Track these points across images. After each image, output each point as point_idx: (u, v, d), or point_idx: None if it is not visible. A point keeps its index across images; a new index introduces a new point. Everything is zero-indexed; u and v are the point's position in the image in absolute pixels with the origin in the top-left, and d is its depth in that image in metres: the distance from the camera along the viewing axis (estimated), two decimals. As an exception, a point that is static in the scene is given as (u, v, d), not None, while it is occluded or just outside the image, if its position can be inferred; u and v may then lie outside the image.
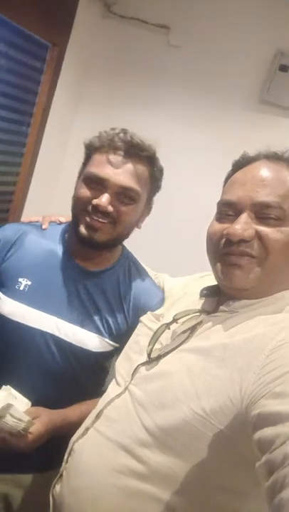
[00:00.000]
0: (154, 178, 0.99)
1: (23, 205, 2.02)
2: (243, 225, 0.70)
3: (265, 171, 0.74)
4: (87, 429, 0.81)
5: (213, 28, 1.85)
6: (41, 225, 1.07)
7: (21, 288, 0.98)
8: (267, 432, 0.52)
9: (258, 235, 0.70)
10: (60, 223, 1.10)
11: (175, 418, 0.67)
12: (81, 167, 1.01)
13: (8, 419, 0.84)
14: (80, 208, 0.94)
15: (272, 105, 1.78)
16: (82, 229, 0.94)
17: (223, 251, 0.74)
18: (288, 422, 0.50)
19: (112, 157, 0.92)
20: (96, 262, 1.02)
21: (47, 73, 1.82)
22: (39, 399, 0.94)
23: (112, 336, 1.00)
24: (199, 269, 1.02)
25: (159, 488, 0.67)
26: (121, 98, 2.03)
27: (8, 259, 1.00)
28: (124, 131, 0.95)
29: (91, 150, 0.97)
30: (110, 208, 0.92)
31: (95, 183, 0.93)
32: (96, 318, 1.00)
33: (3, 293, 0.99)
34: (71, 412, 0.95)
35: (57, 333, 0.98)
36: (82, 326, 0.99)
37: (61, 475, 0.81)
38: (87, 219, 0.93)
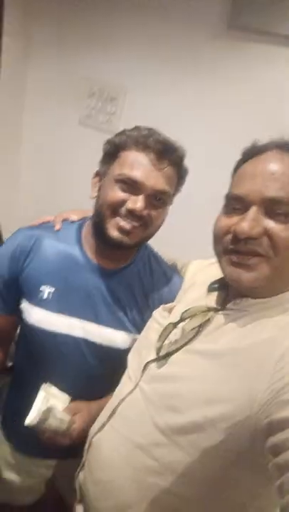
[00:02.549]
0: (181, 179, 0.97)
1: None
2: (250, 222, 0.68)
3: (276, 163, 0.69)
4: (103, 425, 0.85)
5: None
6: (54, 226, 1.05)
7: (45, 296, 0.98)
8: (278, 437, 0.54)
9: (267, 233, 0.67)
10: (73, 222, 1.07)
11: (186, 422, 0.69)
12: (103, 164, 0.97)
13: (51, 422, 0.88)
14: (111, 210, 0.92)
15: (243, 30, 1.61)
16: (113, 231, 0.92)
17: (230, 248, 0.72)
18: None
19: (146, 157, 0.89)
20: (116, 261, 1.02)
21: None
22: (75, 394, 0.99)
23: (139, 330, 1.01)
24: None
25: (173, 483, 0.71)
26: (74, 42, 1.83)
27: (27, 267, 1.00)
28: (155, 131, 0.92)
29: (119, 148, 0.92)
30: (145, 212, 0.90)
31: (127, 184, 0.90)
32: (122, 315, 1.01)
33: (29, 302, 1.00)
34: (106, 402, 0.98)
35: (86, 337, 1.00)
36: (109, 326, 1.00)
37: (83, 464, 0.88)
38: (120, 221, 0.91)
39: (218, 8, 1.56)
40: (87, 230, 1.03)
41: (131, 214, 0.90)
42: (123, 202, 0.90)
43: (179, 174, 0.96)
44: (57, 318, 0.99)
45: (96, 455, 0.84)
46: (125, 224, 0.90)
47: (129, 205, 0.89)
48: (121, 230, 0.91)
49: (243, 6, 1.52)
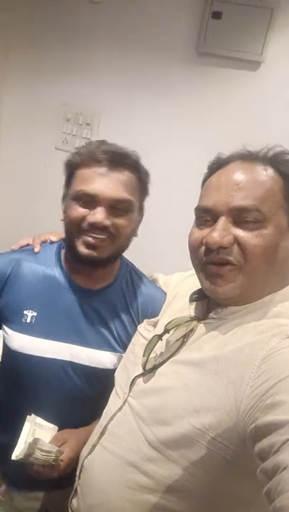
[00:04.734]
0: (142, 184, 0.97)
1: None
2: (220, 232, 0.70)
3: (239, 173, 0.72)
4: (94, 446, 0.83)
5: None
6: (33, 249, 1.04)
7: (28, 320, 0.96)
8: (264, 442, 0.53)
9: (237, 241, 0.70)
10: (52, 243, 1.07)
11: (176, 433, 0.68)
12: (64, 188, 0.98)
13: (38, 455, 0.85)
14: (75, 228, 0.92)
15: (210, 56, 1.71)
16: (82, 248, 0.91)
17: (204, 260, 0.74)
18: (281, 429, 0.51)
19: (98, 170, 0.90)
20: (98, 279, 1.01)
21: None
22: (64, 421, 0.96)
23: (126, 348, 0.99)
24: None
25: (169, 499, 0.70)
26: (49, 69, 1.88)
27: (7, 293, 0.98)
28: (104, 142, 0.93)
29: (73, 167, 0.94)
30: (107, 222, 0.89)
31: (85, 200, 0.90)
32: (108, 335, 1.00)
33: (11, 328, 0.98)
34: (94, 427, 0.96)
35: (73, 359, 0.98)
36: (95, 346, 0.98)
37: (76, 490, 0.85)
38: (85, 237, 0.91)
39: (186, 36, 1.65)
40: (65, 250, 1.02)
41: (94, 227, 0.89)
42: (84, 218, 0.90)
43: (139, 178, 0.95)
44: (41, 342, 0.97)
45: (88, 478, 0.81)
46: (91, 239, 0.90)
47: (90, 219, 0.89)
48: (88, 245, 0.91)
49: (207, 34, 1.63)
